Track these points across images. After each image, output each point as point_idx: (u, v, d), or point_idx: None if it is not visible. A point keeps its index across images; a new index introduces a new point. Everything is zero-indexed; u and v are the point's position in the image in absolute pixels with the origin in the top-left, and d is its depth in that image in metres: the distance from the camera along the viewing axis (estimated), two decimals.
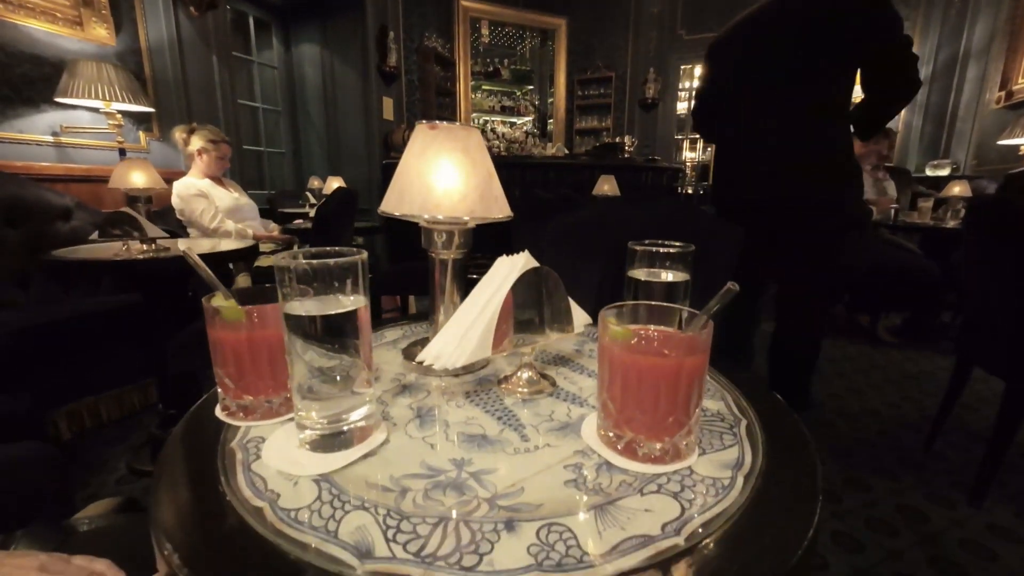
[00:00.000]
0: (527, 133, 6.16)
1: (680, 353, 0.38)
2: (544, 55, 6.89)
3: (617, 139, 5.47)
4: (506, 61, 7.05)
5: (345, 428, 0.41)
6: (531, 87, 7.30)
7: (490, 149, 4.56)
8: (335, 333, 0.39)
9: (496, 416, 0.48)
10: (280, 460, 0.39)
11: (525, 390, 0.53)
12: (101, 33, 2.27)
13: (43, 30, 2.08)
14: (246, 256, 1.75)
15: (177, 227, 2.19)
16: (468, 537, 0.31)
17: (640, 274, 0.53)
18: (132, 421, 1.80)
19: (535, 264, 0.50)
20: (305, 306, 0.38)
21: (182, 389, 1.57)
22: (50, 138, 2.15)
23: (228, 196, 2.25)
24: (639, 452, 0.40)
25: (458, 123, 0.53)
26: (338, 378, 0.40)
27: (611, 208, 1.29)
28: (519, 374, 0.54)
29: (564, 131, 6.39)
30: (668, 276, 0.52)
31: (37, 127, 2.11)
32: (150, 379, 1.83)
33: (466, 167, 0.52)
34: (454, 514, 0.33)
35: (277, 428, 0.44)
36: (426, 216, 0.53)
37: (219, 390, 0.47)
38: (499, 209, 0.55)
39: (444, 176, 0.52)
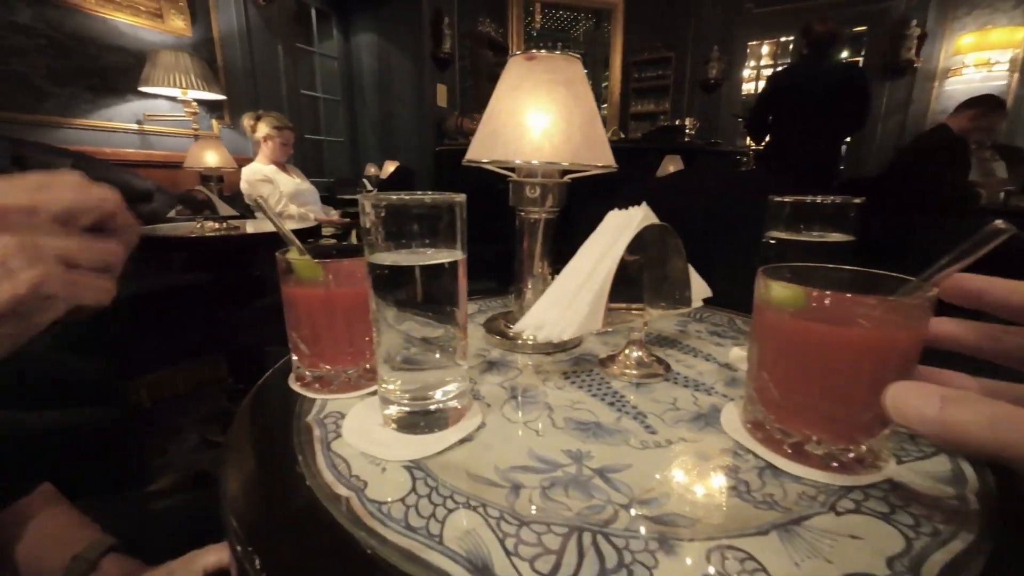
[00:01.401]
0: None
1: (891, 324, 0.28)
2: (598, 37, 6.64)
3: (677, 122, 5.18)
4: (559, 45, 6.87)
5: (434, 407, 0.34)
6: (584, 71, 7.07)
7: None
8: (429, 291, 0.32)
9: (607, 401, 0.40)
10: (363, 440, 0.33)
11: (634, 372, 0.44)
12: (179, 24, 2.37)
13: (127, 23, 2.19)
14: (307, 237, 1.76)
15: (245, 211, 2.26)
16: (614, 558, 0.23)
17: (785, 235, 0.43)
18: (204, 392, 1.88)
19: (654, 219, 0.41)
20: (395, 257, 0.32)
21: (249, 363, 1.62)
22: (135, 126, 2.28)
23: (291, 182, 2.30)
24: (815, 455, 0.30)
25: (558, 52, 0.45)
26: (431, 345, 0.33)
27: (688, 178, 1.16)
28: (627, 353, 0.46)
29: (619, 115, 6.15)
30: (825, 236, 0.42)
31: (123, 115, 2.24)
32: (219, 353, 1.91)
33: (569, 104, 0.44)
34: (588, 524, 0.26)
35: (356, 402, 0.38)
36: (518, 161, 0.45)
37: (293, 357, 0.42)
38: (604, 156, 0.47)
39: (544, 115, 0.44)
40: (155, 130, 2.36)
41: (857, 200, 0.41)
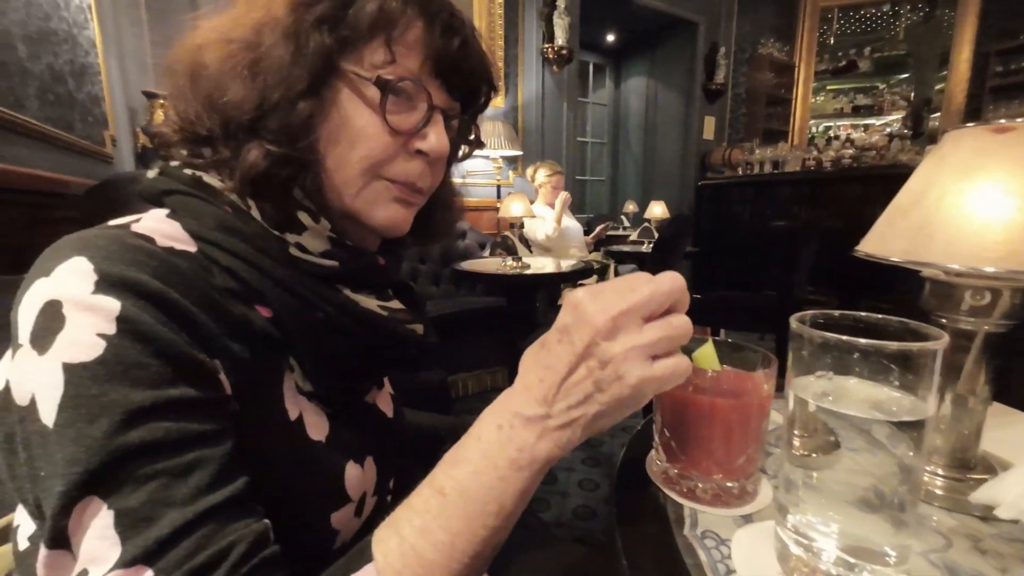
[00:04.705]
0: (891, 135, 4.71)
1: None
2: (930, 31, 5.14)
3: None
4: (867, 50, 5.63)
5: None
6: (903, 76, 5.57)
7: (837, 160, 3.70)
8: (877, 438, 0.27)
9: None
10: None
11: None
12: (497, 99, 2.99)
13: None
14: (579, 277, 1.92)
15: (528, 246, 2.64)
16: None
17: None
18: (488, 398, 2.26)
19: None
20: (824, 386, 0.28)
21: None
22: (459, 180, 2.98)
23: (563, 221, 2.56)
24: None
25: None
26: (874, 498, 0.28)
27: None
28: None
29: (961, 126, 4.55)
30: None
31: (454, 173, 2.96)
32: (502, 365, 2.25)
33: None
34: None
35: (734, 527, 0.36)
36: (956, 267, 0.34)
37: (656, 442, 0.42)
38: None
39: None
40: (471, 183, 3.02)
41: None
